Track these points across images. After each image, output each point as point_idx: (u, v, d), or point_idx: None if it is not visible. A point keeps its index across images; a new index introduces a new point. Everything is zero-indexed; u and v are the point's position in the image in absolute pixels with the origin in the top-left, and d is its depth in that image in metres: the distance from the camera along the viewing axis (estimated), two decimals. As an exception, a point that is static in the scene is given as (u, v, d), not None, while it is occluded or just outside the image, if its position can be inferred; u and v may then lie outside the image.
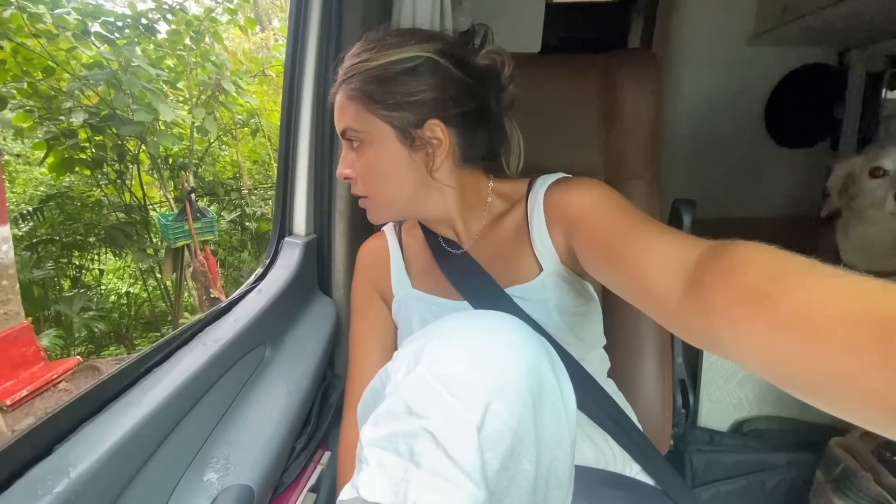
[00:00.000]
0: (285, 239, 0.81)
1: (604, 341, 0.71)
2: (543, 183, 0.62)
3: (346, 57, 0.58)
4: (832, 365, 0.24)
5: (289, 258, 0.77)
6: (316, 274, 0.84)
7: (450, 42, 0.59)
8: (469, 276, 0.63)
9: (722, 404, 1.07)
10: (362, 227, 0.84)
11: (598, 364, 0.69)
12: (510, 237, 0.64)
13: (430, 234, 0.69)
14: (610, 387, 0.69)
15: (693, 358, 0.99)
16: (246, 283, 0.72)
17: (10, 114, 2.99)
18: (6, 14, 2.65)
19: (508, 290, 0.61)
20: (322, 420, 0.72)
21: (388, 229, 0.74)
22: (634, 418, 0.68)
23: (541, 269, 0.61)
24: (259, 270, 0.75)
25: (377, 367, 0.47)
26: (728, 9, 1.71)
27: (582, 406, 0.52)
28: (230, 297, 0.68)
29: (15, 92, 2.96)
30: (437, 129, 0.56)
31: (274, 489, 0.59)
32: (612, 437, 0.63)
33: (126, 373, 0.49)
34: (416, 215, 0.66)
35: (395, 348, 0.71)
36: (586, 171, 0.81)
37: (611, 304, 0.75)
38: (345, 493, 0.37)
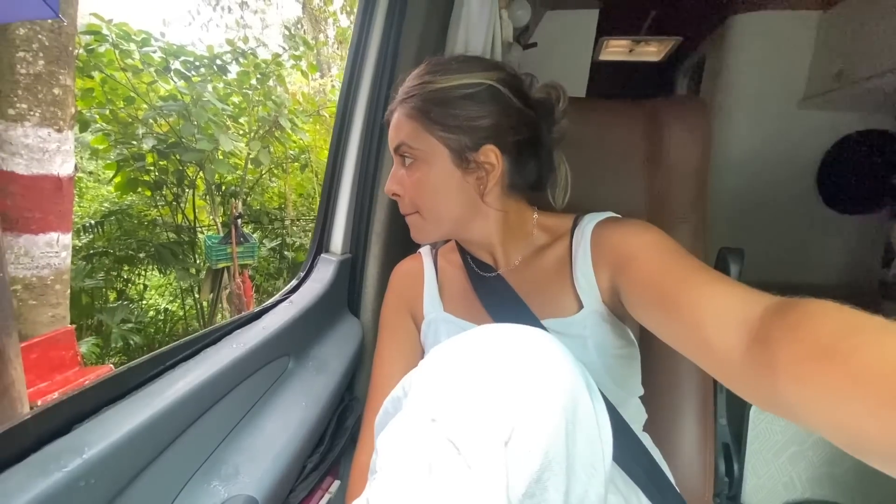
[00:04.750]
0: (321, 255, 0.82)
1: (641, 391, 0.66)
2: (592, 220, 0.61)
3: (409, 77, 0.61)
4: None
5: (323, 274, 0.78)
6: (346, 293, 0.84)
7: (511, 73, 0.61)
8: (504, 301, 0.61)
9: (770, 482, 0.96)
10: (396, 252, 0.85)
11: (633, 414, 0.64)
12: (551, 270, 0.62)
13: (467, 259, 0.68)
14: (646, 441, 0.64)
15: (738, 421, 0.90)
16: (279, 293, 0.73)
17: (90, 136, 3.30)
18: (101, 49, 2.99)
19: (544, 322, 0.59)
20: (336, 442, 0.69)
21: (425, 252, 0.74)
22: (672, 480, 0.62)
23: (581, 306, 0.59)
24: (293, 282, 0.76)
25: None
26: (777, 71, 1.70)
27: (615, 456, 0.48)
28: (262, 305, 0.68)
29: (97, 117, 3.28)
30: (491, 155, 0.57)
31: (279, 508, 0.56)
32: (646, 495, 0.57)
33: (154, 363, 0.49)
34: (460, 236, 0.67)
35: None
36: (627, 210, 0.78)
37: (649, 352, 0.70)
38: (353, 508, 0.34)
